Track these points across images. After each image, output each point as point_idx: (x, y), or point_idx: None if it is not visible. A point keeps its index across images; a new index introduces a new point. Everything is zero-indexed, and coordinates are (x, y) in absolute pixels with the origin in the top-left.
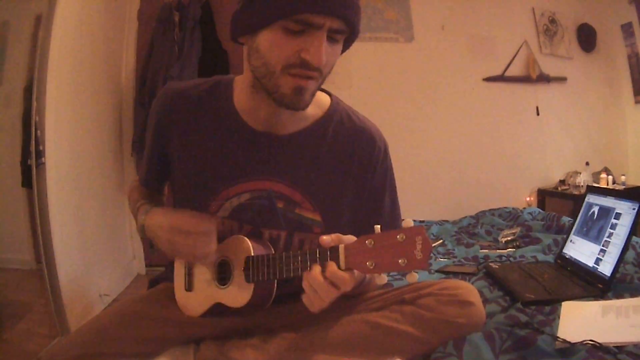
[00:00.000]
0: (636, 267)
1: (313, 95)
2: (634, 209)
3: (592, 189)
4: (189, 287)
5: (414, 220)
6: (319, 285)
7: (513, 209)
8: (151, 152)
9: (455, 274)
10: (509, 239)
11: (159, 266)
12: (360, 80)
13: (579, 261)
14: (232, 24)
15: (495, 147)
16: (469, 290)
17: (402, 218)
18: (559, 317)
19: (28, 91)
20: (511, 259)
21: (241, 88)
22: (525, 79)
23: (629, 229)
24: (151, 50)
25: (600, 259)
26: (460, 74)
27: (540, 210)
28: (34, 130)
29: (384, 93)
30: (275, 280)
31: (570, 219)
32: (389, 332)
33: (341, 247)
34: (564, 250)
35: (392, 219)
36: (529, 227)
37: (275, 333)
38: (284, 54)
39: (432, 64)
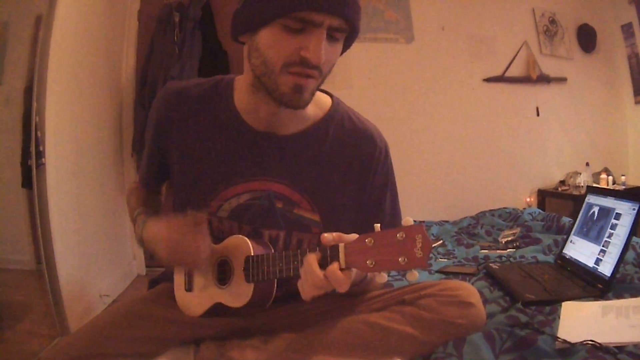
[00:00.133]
0: (636, 267)
1: (313, 94)
2: (634, 209)
3: (592, 190)
4: (188, 287)
5: (415, 221)
6: (312, 274)
7: (513, 209)
8: (151, 152)
9: (456, 275)
10: (509, 239)
11: (159, 266)
12: (360, 80)
13: (579, 261)
14: (233, 23)
15: (496, 147)
16: (469, 291)
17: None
18: (559, 318)
19: (28, 91)
20: (511, 259)
21: (242, 88)
22: (525, 80)
23: (629, 229)
24: (151, 50)
25: (600, 260)
26: (461, 75)
27: (541, 211)
28: (34, 130)
29: (384, 93)
30: (275, 280)
31: (570, 219)
32: (389, 332)
33: (341, 245)
34: (564, 251)
35: (393, 220)
36: (529, 227)
37: (275, 333)
38: (284, 52)
39: (432, 64)
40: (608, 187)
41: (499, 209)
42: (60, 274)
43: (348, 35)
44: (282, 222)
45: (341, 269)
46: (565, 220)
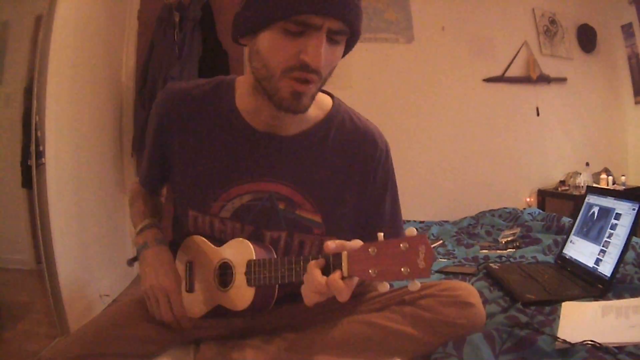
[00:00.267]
0: (636, 267)
1: (313, 98)
2: (634, 209)
3: (592, 190)
4: (190, 288)
5: (414, 221)
6: (315, 282)
7: (513, 209)
8: (151, 153)
9: (455, 275)
10: (509, 239)
11: None
12: (360, 80)
13: (579, 261)
14: (233, 25)
15: (495, 147)
16: (469, 291)
17: (404, 220)
18: (559, 318)
19: (28, 91)
20: (511, 259)
21: (243, 89)
22: (525, 80)
23: (629, 230)
24: (151, 50)
25: (600, 260)
26: (461, 75)
27: (540, 211)
28: (34, 130)
29: (384, 93)
30: (277, 285)
31: (570, 219)
32: (389, 332)
33: (344, 254)
34: (564, 251)
35: (393, 220)
36: (529, 227)
37: (275, 333)
38: (284, 56)
39: (432, 64)
40: (608, 187)
41: (499, 209)
42: (60, 274)
43: (349, 37)
44: (284, 223)
45: (344, 278)
46: (565, 220)
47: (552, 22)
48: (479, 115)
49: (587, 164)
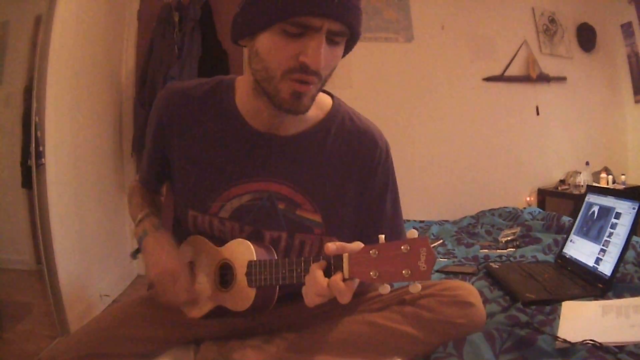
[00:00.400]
0: (636, 266)
1: (313, 99)
2: (634, 208)
3: (592, 189)
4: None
5: (414, 220)
6: (316, 283)
7: (513, 208)
8: (151, 152)
9: (456, 274)
10: (509, 238)
11: None
12: (360, 80)
13: (579, 261)
14: (233, 27)
15: (495, 147)
16: (469, 291)
17: (404, 219)
18: (559, 317)
19: (28, 91)
20: (511, 258)
21: (243, 89)
22: (525, 79)
23: (629, 229)
24: (151, 50)
25: (601, 259)
26: (460, 74)
27: (541, 210)
28: (34, 130)
29: (384, 93)
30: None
31: (570, 218)
32: (390, 332)
33: (345, 256)
34: (564, 250)
35: (394, 220)
36: (529, 227)
37: (276, 333)
38: (283, 58)
39: (431, 63)
40: (608, 187)
41: (499, 208)
42: (60, 274)
43: (349, 38)
44: (284, 223)
45: (345, 279)
46: (565, 219)
47: (552, 21)
48: (479, 114)
49: (587, 163)
